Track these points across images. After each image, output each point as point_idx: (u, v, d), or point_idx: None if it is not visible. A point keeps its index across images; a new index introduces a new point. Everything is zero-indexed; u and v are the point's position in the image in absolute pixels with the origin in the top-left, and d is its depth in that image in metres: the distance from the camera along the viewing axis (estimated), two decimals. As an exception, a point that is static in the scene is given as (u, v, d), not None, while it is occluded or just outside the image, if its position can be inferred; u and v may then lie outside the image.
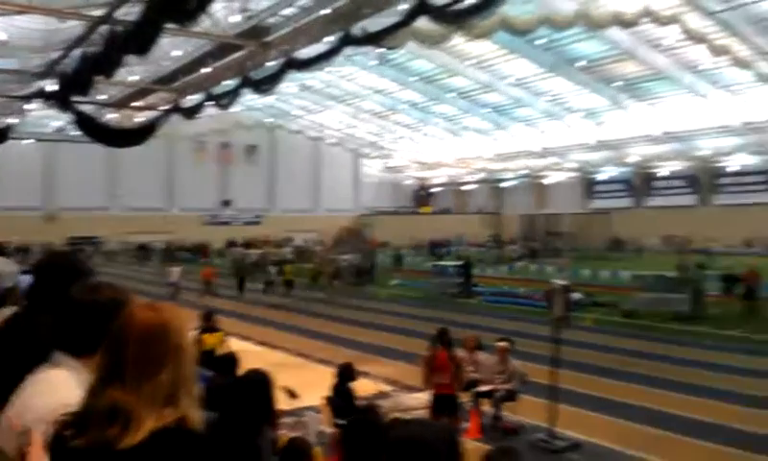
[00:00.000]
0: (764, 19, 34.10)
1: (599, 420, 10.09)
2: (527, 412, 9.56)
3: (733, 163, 51.59)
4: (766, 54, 35.90)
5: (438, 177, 75.45)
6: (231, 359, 5.94)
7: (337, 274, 28.70)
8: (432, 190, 77.02)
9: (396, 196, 74.90)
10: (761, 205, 49.44)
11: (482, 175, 69.29)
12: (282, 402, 8.31)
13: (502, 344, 9.95)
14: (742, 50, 34.50)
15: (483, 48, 40.97)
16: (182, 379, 1.55)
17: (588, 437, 9.03)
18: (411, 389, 11.03)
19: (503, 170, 66.39)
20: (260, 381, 3.32)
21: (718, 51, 32.73)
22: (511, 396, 9.58)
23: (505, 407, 9.65)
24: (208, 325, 10.73)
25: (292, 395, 8.62)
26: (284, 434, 4.51)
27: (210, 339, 10.40)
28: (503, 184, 68.61)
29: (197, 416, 1.55)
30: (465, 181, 72.68)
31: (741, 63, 34.69)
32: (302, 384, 9.45)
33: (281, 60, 25.66)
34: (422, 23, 22.15)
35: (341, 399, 6.74)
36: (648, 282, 22.26)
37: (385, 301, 25.37)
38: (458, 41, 34.97)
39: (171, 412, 1.50)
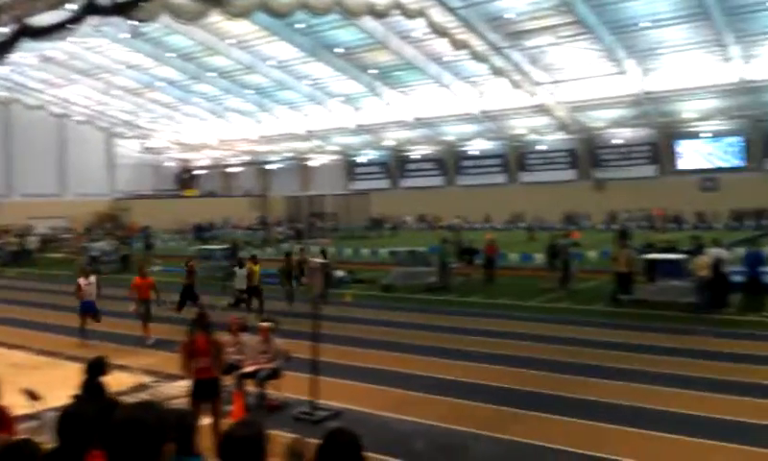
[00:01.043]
0: (497, 18, 38.38)
1: (358, 388, 10.71)
2: (291, 388, 9.84)
3: (474, 148, 57.56)
4: (498, 49, 40.49)
5: (201, 159, 73.11)
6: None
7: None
8: (196, 172, 74.37)
9: (157, 179, 70.87)
10: (497, 185, 56.13)
11: (247, 157, 68.65)
12: (23, 406, 7.58)
13: (265, 324, 10.12)
14: (479, 45, 38.49)
15: (243, 28, 40.43)
16: None
17: (348, 405, 9.55)
18: (173, 378, 10.70)
19: (269, 152, 66.50)
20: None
21: (459, 45, 36.08)
22: (275, 374, 9.80)
23: (270, 385, 9.85)
24: None
25: (33, 397, 7.88)
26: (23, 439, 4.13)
27: None
28: (269, 166, 68.69)
29: None
30: (230, 163, 71.40)
31: (479, 57, 38.68)
32: (49, 384, 8.70)
33: (13, 27, 22.79)
34: (177, -3, 21.23)
35: (91, 395, 6.33)
36: (402, 258, 23.98)
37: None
38: (217, 19, 34.08)
39: None
